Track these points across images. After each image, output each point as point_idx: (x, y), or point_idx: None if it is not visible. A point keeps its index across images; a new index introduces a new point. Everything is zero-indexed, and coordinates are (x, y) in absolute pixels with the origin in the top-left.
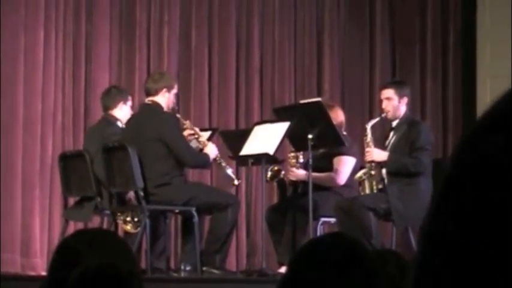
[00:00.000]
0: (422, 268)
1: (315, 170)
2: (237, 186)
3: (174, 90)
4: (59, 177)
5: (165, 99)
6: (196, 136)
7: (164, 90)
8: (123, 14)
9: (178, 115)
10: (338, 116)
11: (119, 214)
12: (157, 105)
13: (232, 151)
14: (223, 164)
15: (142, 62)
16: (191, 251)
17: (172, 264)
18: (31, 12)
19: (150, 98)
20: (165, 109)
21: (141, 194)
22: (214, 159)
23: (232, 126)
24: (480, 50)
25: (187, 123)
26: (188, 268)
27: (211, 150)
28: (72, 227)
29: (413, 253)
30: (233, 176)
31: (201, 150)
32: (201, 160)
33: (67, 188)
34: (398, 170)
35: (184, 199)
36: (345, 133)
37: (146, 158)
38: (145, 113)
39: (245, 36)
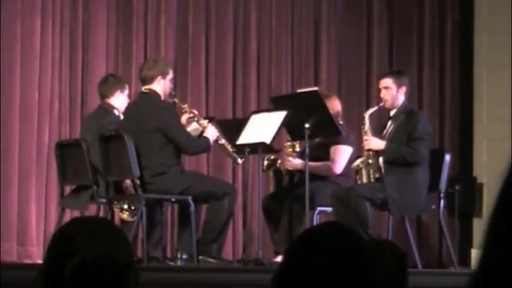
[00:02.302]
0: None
1: (311, 160)
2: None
3: (170, 76)
4: (56, 166)
5: (161, 86)
6: (196, 119)
7: (159, 77)
8: (120, 3)
9: (176, 99)
10: (335, 105)
11: (115, 203)
12: (154, 94)
13: (229, 140)
14: (225, 144)
15: (140, 50)
16: (188, 240)
17: (168, 253)
18: (28, 1)
19: (147, 87)
20: (162, 96)
21: (138, 182)
22: (216, 141)
23: (229, 115)
24: (477, 40)
25: (185, 106)
26: (185, 257)
27: (211, 132)
28: (68, 216)
29: (411, 243)
30: (236, 155)
31: (201, 132)
32: (202, 146)
33: (63, 177)
34: (396, 160)
35: (180, 188)
36: (341, 122)
37: (144, 148)
38: (144, 103)
39: (242, 25)
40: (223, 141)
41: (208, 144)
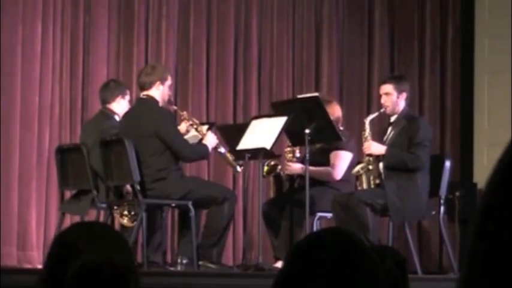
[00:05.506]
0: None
1: (311, 165)
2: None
3: (168, 82)
4: (56, 171)
5: (159, 92)
6: (195, 126)
7: (158, 83)
8: (121, 7)
9: (175, 106)
10: (335, 111)
11: (115, 208)
12: (152, 100)
13: (230, 145)
14: (225, 153)
15: (141, 55)
16: (188, 244)
17: (168, 258)
18: (29, 5)
19: (145, 93)
20: (161, 102)
21: (138, 188)
22: (215, 148)
23: (230, 120)
24: (478, 44)
25: (184, 114)
26: (185, 262)
27: (211, 140)
28: (68, 221)
29: (411, 248)
30: (235, 164)
31: (201, 140)
32: (199, 153)
33: (64, 181)
34: (396, 165)
35: (181, 193)
36: (341, 128)
37: (144, 153)
38: (142, 109)
39: (243, 30)
40: (222, 149)
41: (207, 151)
